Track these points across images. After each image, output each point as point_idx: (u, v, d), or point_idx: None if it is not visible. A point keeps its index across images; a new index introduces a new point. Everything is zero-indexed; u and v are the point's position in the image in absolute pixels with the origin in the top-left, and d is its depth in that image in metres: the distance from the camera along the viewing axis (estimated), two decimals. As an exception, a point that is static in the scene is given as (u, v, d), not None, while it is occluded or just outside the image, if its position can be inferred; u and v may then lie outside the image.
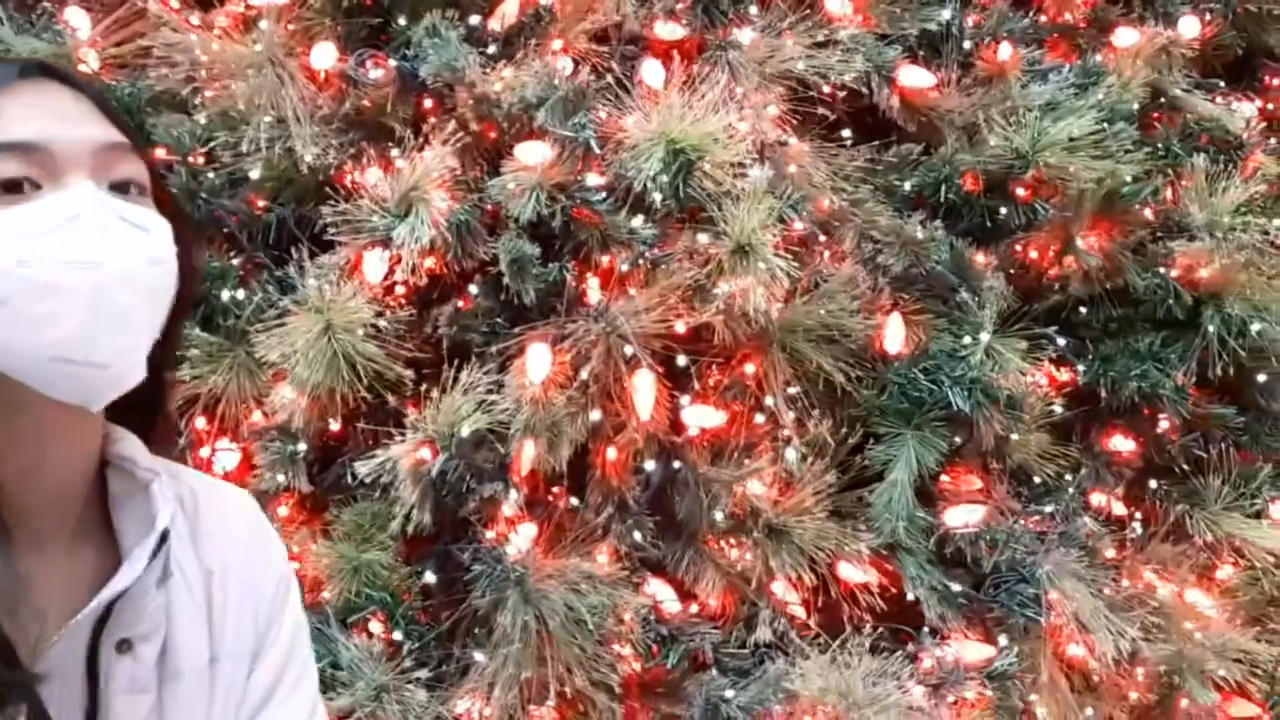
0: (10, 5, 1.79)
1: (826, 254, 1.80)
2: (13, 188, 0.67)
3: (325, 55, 1.75)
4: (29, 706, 0.69)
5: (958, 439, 1.79)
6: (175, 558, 0.77)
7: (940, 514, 1.79)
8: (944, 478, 1.82)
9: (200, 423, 1.72)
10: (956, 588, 1.77)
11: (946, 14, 1.84)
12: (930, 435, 1.76)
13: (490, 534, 1.63)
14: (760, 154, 1.74)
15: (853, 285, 1.77)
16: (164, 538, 0.75)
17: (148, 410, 0.80)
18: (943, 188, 1.82)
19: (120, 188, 0.71)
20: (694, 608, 1.71)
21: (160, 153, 1.71)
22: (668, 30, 1.83)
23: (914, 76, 1.83)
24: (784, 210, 1.71)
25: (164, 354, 0.76)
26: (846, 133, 1.83)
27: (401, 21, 1.79)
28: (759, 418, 1.72)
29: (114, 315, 0.67)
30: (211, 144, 1.73)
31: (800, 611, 1.72)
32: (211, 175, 1.73)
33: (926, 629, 1.74)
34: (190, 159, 1.72)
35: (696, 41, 1.82)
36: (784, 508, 1.70)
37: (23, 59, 0.75)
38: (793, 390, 1.74)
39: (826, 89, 1.80)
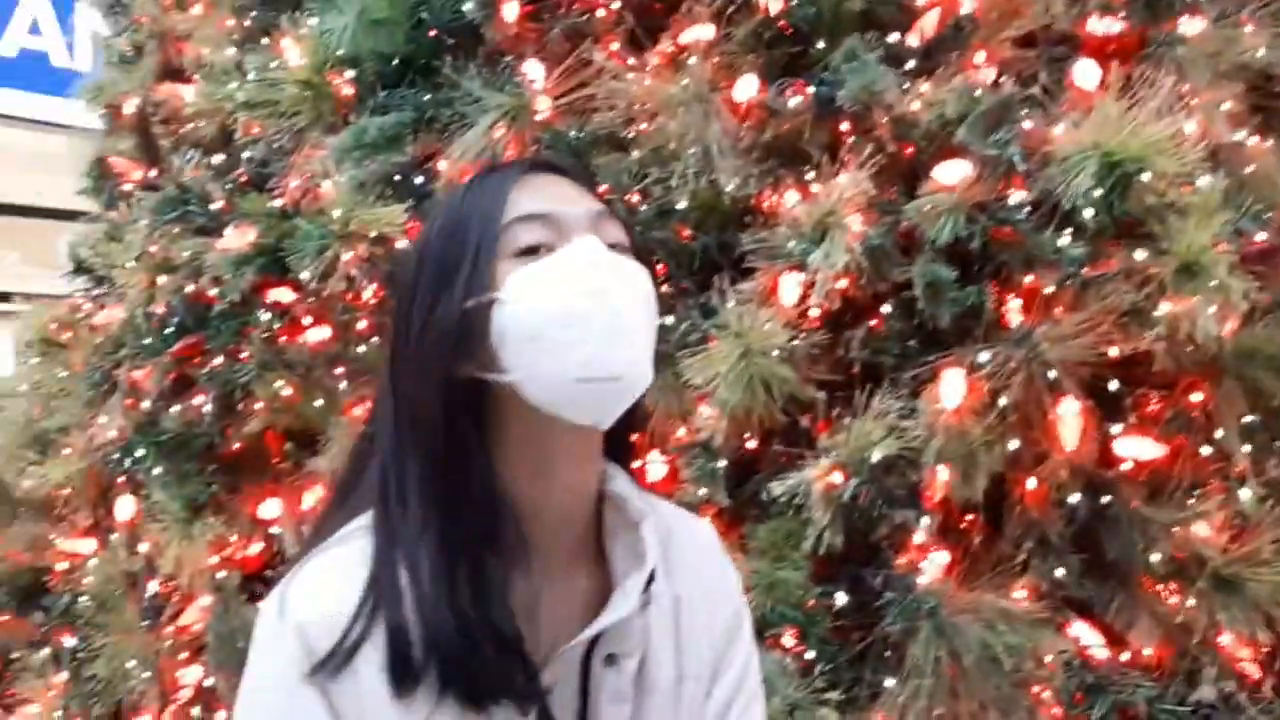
0: (479, 61, 2.10)
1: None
2: (530, 251, 0.85)
3: (747, 87, 1.89)
4: (539, 710, 0.86)
5: None
6: (654, 586, 0.91)
7: None
8: None
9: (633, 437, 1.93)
10: None
11: None
12: None
13: (901, 560, 1.68)
14: (1213, 159, 1.63)
15: (1328, 304, 1.61)
16: (652, 574, 0.89)
17: (624, 446, 0.96)
18: None
19: (612, 247, 0.88)
20: (1125, 656, 1.64)
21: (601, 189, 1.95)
22: (1103, 25, 1.76)
23: None
24: (1241, 223, 1.59)
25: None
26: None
27: (820, 46, 1.89)
28: (1206, 452, 1.62)
29: (624, 331, 0.84)
30: (645, 180, 1.93)
31: (1254, 671, 1.59)
32: (645, 208, 1.93)
33: None
34: (627, 197, 1.93)
35: (1135, 39, 1.74)
36: (1235, 555, 1.58)
37: (530, 157, 0.95)
38: (1249, 422, 1.61)
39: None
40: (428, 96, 2.05)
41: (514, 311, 0.83)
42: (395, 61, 2.15)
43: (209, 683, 2.12)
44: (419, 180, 2.01)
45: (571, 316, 0.82)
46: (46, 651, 2.38)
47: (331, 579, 0.86)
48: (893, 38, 1.85)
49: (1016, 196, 1.68)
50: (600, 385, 0.83)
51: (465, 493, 0.86)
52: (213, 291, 2.18)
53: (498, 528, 0.86)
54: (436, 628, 0.82)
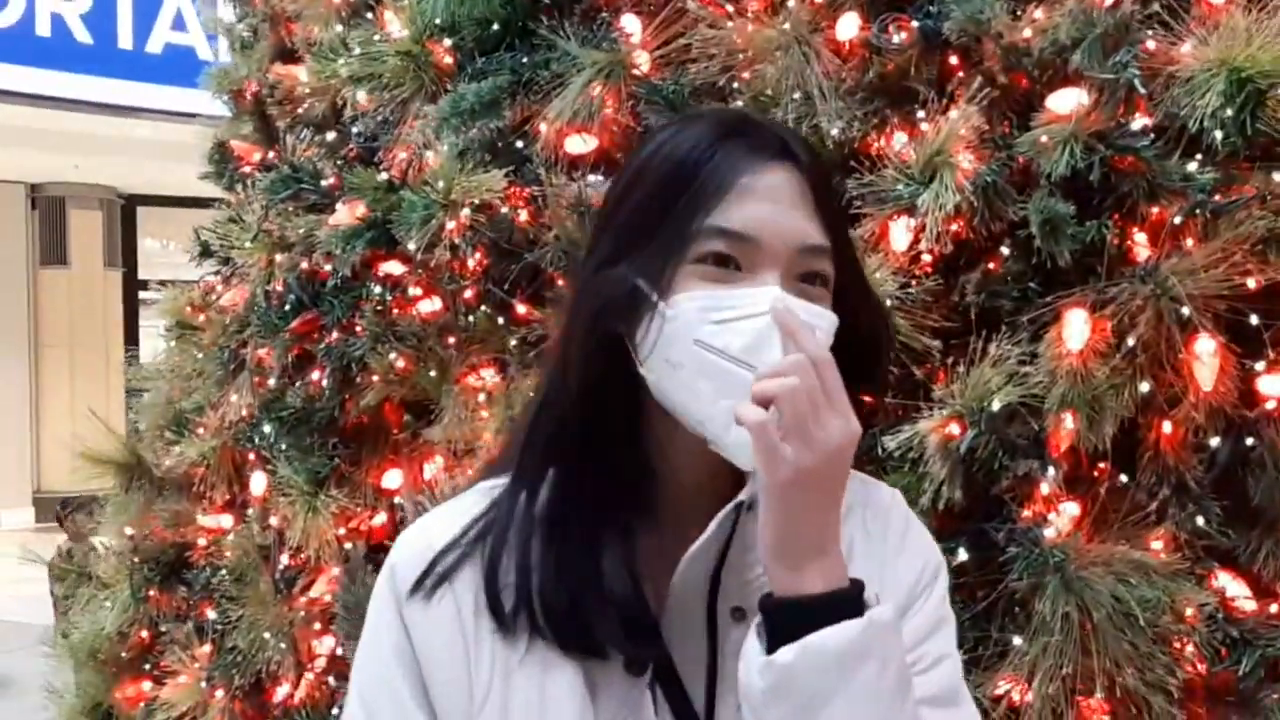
0: (575, 20, 2.15)
1: None
2: (716, 260, 0.87)
3: (849, 26, 1.88)
4: (656, 669, 0.89)
5: None
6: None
7: None
8: None
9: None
10: None
11: None
12: None
13: (1026, 513, 1.66)
14: (1358, 68, 1.55)
15: None
16: (739, 514, 0.90)
17: None
18: None
19: (808, 278, 0.89)
20: (1274, 607, 1.59)
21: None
22: (1235, -72, 1.69)
23: None
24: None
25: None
26: None
27: (925, -24, 1.86)
28: (1359, 388, 1.55)
29: None
30: (745, 128, 1.94)
31: None
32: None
33: None
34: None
35: (1272, -56, 1.66)
36: (1395, 497, 1.52)
37: (782, 139, 0.93)
38: None
39: None
40: (524, 59, 2.11)
41: (670, 329, 0.86)
42: (493, 26, 2.21)
43: (341, 652, 2.26)
44: (519, 144, 2.08)
45: (716, 374, 0.84)
46: (190, 625, 2.57)
47: (434, 524, 0.93)
48: (1004, -38, 1.81)
49: (1138, 122, 1.64)
50: (712, 441, 0.86)
51: (594, 448, 0.90)
52: (326, 267, 2.30)
53: (625, 487, 0.90)
54: (531, 574, 0.88)
